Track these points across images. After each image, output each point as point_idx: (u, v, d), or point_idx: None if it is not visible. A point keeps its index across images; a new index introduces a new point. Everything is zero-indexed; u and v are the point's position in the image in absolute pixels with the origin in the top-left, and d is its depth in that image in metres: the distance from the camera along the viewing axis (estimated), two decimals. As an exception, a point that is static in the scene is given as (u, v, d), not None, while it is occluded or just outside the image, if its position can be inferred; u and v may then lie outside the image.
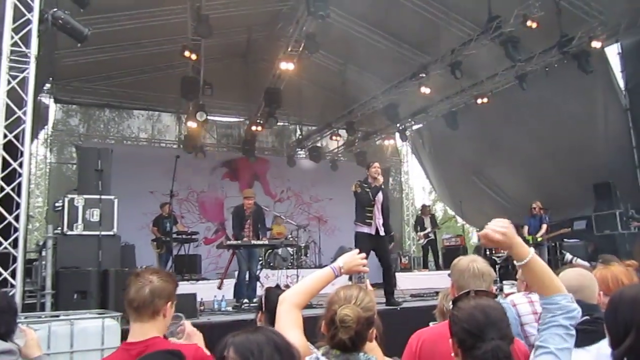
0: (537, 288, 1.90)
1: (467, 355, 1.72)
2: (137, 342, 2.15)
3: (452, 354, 1.80)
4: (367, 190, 7.45)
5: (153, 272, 2.28)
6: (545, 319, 1.85)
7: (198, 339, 2.40)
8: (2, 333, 2.38)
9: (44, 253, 6.51)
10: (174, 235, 10.64)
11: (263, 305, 2.99)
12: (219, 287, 8.50)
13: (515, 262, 1.92)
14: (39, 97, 10.15)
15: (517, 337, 2.11)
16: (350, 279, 3.63)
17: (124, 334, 4.96)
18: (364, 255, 2.44)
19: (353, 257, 2.39)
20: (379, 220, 7.46)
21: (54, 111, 14.17)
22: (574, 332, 1.83)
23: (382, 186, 7.57)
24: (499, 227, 1.86)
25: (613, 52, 11.81)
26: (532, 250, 1.90)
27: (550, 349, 1.78)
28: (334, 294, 2.03)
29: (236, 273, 9.03)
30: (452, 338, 1.80)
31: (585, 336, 2.11)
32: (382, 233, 7.49)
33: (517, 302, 3.45)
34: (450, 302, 3.03)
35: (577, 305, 1.88)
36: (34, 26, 6.06)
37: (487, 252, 11.47)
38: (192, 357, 2.07)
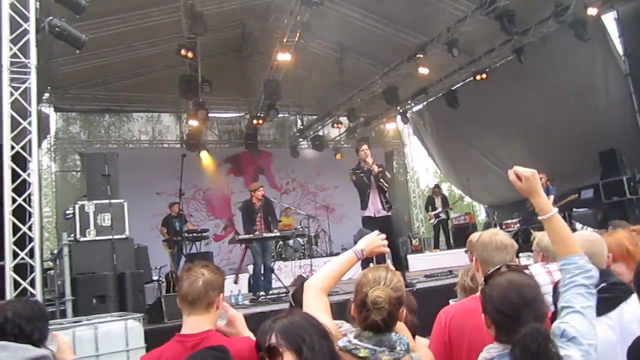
0: (557, 246, 1.93)
1: (503, 334, 1.74)
2: (193, 335, 2.19)
3: (485, 327, 1.82)
4: (361, 174, 7.46)
5: (203, 265, 2.34)
6: (565, 280, 1.87)
7: (240, 322, 2.43)
8: (36, 340, 2.41)
9: (59, 261, 6.56)
10: (185, 234, 10.70)
11: (291, 302, 3.04)
12: (235, 282, 8.56)
13: (538, 216, 1.96)
14: (39, 107, 10.14)
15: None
16: (362, 265, 3.67)
17: (147, 335, 5.03)
18: (384, 236, 2.49)
19: (374, 239, 2.46)
20: (375, 202, 7.45)
21: (54, 120, 14.17)
22: (594, 290, 1.85)
23: (373, 166, 7.44)
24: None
25: (610, 19, 11.74)
26: (555, 208, 1.96)
27: (575, 307, 1.79)
28: (362, 276, 2.05)
29: (249, 267, 9.08)
30: (485, 315, 1.81)
31: (605, 304, 2.10)
32: (381, 214, 7.46)
33: (535, 273, 3.47)
34: (469, 278, 3.07)
35: (593, 266, 1.90)
36: (32, 36, 6.06)
37: (497, 228, 11.48)
38: (248, 352, 2.05)
